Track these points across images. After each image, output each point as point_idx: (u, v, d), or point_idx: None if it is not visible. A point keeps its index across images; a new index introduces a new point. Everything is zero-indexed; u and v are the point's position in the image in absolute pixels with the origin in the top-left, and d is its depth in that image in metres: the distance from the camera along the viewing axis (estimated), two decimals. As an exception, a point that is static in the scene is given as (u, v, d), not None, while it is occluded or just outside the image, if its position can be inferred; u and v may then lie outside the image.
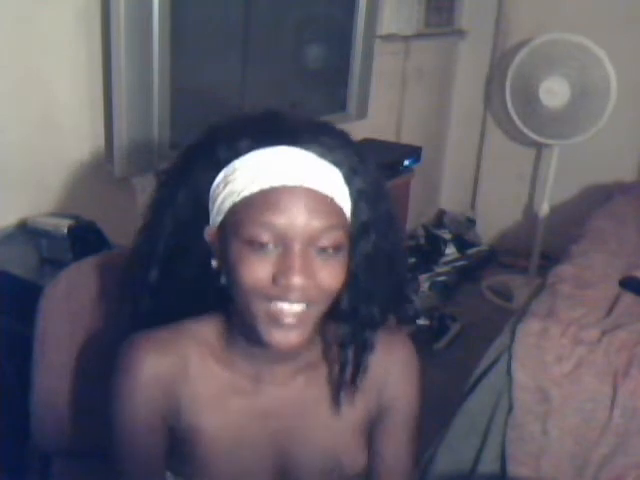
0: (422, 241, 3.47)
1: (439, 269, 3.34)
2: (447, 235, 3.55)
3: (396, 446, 0.91)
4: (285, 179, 0.73)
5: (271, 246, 0.74)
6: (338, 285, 0.77)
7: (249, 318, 0.77)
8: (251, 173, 0.74)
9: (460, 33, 3.59)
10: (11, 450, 1.32)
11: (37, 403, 1.06)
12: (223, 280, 0.80)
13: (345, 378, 0.86)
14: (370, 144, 2.71)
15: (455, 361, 2.51)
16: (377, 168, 0.84)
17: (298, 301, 0.74)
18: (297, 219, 0.73)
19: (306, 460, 0.86)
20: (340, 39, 2.43)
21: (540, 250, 3.31)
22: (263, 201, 0.73)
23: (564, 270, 2.00)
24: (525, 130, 3.19)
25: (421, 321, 2.88)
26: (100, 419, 1.08)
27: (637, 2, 3.19)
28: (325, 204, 0.75)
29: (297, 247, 0.73)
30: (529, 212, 3.70)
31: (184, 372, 0.83)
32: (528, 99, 3.13)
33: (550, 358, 1.60)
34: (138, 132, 1.65)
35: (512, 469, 1.60)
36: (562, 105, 3.06)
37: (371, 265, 0.81)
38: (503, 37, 3.53)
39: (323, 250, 0.75)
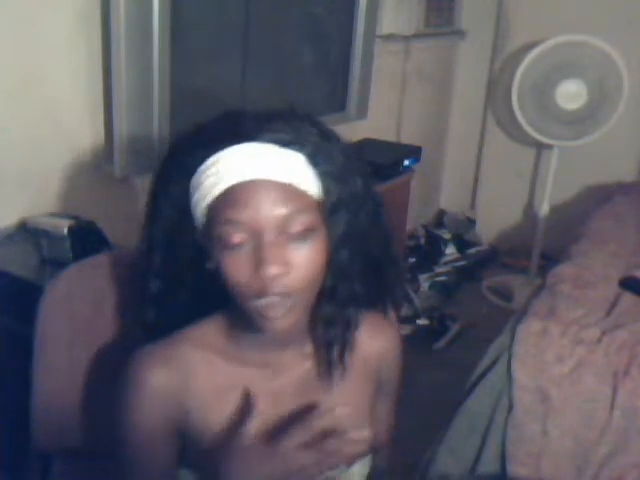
0: (422, 241, 3.47)
1: (439, 269, 3.35)
2: (447, 235, 3.56)
3: (384, 410, 1.02)
4: (242, 175, 0.76)
5: (245, 242, 0.76)
6: (317, 268, 0.79)
7: (243, 310, 0.80)
8: (214, 176, 0.77)
9: (460, 33, 3.60)
10: (11, 450, 1.32)
11: (37, 403, 1.06)
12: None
13: (332, 356, 0.89)
14: (370, 144, 2.71)
15: (455, 361, 2.51)
16: (346, 147, 0.84)
17: (279, 293, 0.76)
18: (261, 210, 0.75)
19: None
20: (340, 39, 2.43)
21: (540, 250, 3.31)
22: (226, 200, 0.76)
23: (564, 270, 2.00)
24: (533, 133, 3.16)
25: (421, 321, 2.88)
26: (100, 419, 1.08)
27: (637, 1, 3.19)
28: (286, 191, 0.76)
29: (267, 238, 0.75)
30: (529, 212, 3.70)
31: (191, 379, 0.85)
32: (541, 101, 3.10)
33: (550, 358, 1.60)
34: (138, 132, 1.65)
35: (512, 469, 1.60)
36: (579, 107, 3.06)
37: (347, 244, 0.83)
38: (503, 37, 3.54)
39: (296, 235, 0.76)
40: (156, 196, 0.84)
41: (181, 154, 0.81)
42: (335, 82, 2.49)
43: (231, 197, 0.76)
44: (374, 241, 0.87)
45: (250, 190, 0.76)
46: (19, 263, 1.44)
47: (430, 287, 3.20)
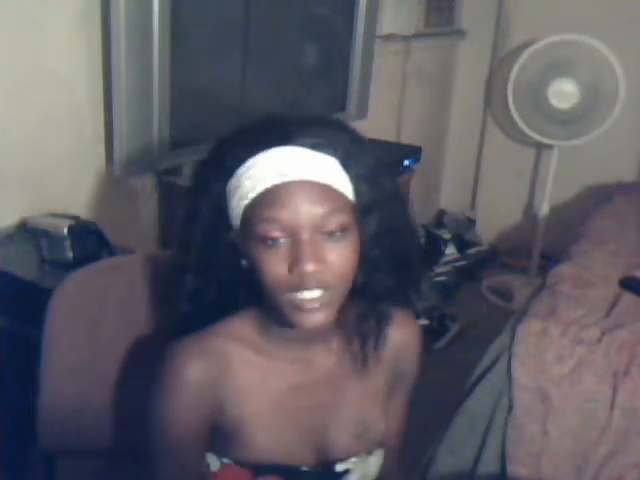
0: (422, 241, 3.46)
1: (439, 269, 3.34)
2: (447, 235, 3.55)
3: (397, 408, 1.03)
4: (283, 176, 0.80)
5: (282, 240, 0.79)
6: (350, 265, 0.82)
7: (277, 307, 0.83)
8: (254, 177, 0.81)
9: (460, 33, 3.59)
10: (13, 450, 1.32)
11: (44, 404, 1.07)
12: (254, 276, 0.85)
13: (368, 348, 0.93)
14: (370, 144, 2.71)
15: (455, 361, 2.51)
16: (374, 150, 0.89)
17: (315, 287, 0.79)
18: (299, 210, 0.79)
19: (340, 428, 0.93)
20: (340, 39, 2.43)
21: (540, 250, 3.31)
22: (267, 200, 0.80)
23: (564, 270, 2.00)
24: (528, 131, 3.17)
25: (421, 321, 2.88)
26: (106, 421, 1.09)
27: (638, 2, 3.19)
28: (324, 191, 0.80)
29: (305, 236, 0.79)
30: (529, 212, 3.70)
31: (226, 370, 0.88)
32: (535, 100, 3.11)
33: (550, 358, 1.60)
34: (138, 132, 1.65)
35: (512, 469, 1.60)
36: (571, 107, 3.06)
37: (378, 243, 0.87)
38: (503, 37, 3.54)
39: (331, 234, 0.80)
40: (195, 196, 0.87)
41: (221, 156, 0.85)
42: (335, 82, 2.49)
43: (270, 197, 0.80)
44: (403, 238, 0.91)
45: (288, 190, 0.79)
46: (19, 263, 1.44)
47: (430, 287, 3.20)
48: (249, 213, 0.82)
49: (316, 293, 0.80)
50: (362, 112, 2.56)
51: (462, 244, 3.57)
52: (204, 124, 1.86)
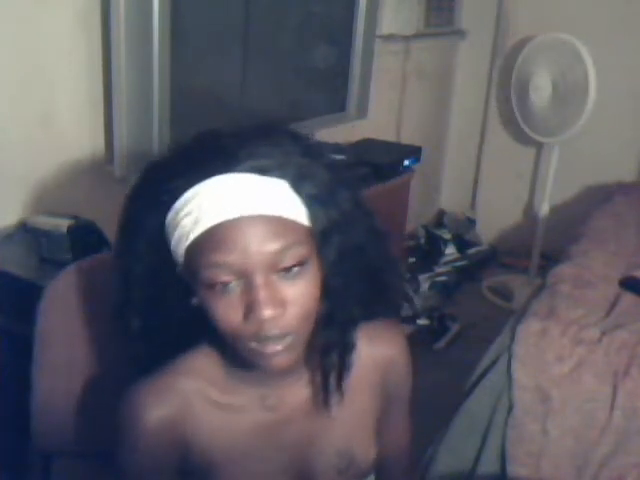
0: (422, 241, 3.47)
1: (439, 269, 3.34)
2: (447, 235, 3.55)
3: (397, 423, 0.96)
4: (225, 214, 0.70)
5: (233, 283, 0.71)
6: (313, 301, 0.74)
7: (237, 351, 0.76)
8: (193, 214, 0.71)
9: (460, 33, 3.59)
10: (12, 449, 1.32)
11: (37, 403, 1.06)
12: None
13: (330, 384, 0.85)
14: (370, 144, 2.71)
15: (455, 361, 2.51)
16: (330, 160, 0.80)
17: (274, 333, 0.71)
18: (249, 250, 0.69)
19: (322, 463, 0.86)
20: (340, 39, 2.43)
21: (540, 250, 3.31)
22: (210, 242, 0.70)
23: (564, 270, 2.00)
24: (524, 127, 3.21)
25: (421, 321, 2.88)
26: (99, 420, 1.08)
27: (636, 3, 3.19)
28: (274, 225, 0.70)
29: (258, 279, 0.70)
30: (529, 212, 3.70)
31: (187, 412, 0.81)
32: (523, 97, 3.16)
33: (550, 358, 1.60)
34: (138, 132, 1.65)
35: (512, 469, 1.60)
36: (544, 102, 3.08)
37: (341, 266, 0.77)
38: (503, 37, 3.53)
39: (287, 270, 0.71)
40: (130, 230, 0.77)
41: (154, 186, 0.74)
42: (335, 82, 2.49)
43: (214, 238, 0.70)
44: (371, 251, 0.81)
45: (235, 229, 0.69)
46: (19, 263, 1.44)
47: (430, 287, 3.20)
48: (192, 255, 0.72)
49: (276, 338, 0.72)
50: (362, 112, 2.56)
51: (462, 244, 3.57)
52: (204, 124, 1.86)
